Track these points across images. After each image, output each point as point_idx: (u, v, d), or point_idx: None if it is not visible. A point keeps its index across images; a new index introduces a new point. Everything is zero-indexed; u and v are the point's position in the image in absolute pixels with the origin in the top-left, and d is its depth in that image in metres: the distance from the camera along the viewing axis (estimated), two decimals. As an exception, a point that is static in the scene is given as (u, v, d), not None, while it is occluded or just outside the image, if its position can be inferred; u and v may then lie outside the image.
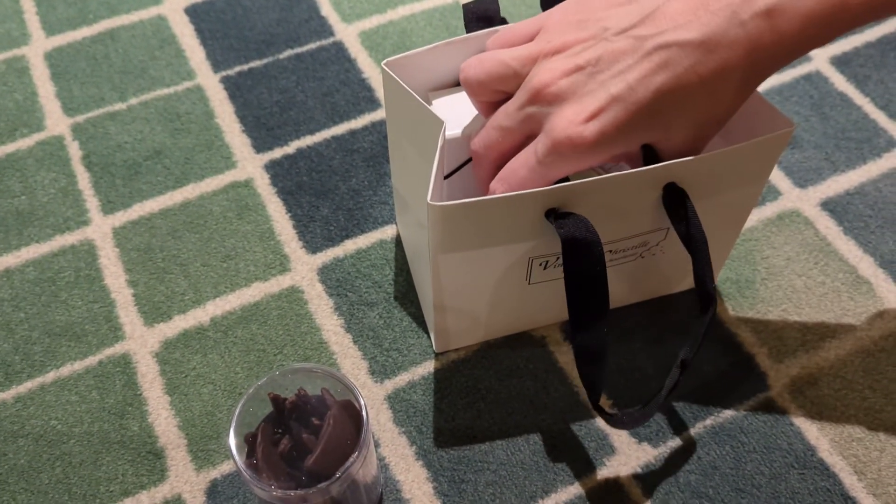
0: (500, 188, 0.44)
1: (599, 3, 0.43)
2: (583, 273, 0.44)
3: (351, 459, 0.42)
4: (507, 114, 0.44)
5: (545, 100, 0.41)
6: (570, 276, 0.44)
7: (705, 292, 0.44)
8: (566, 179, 0.45)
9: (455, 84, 0.52)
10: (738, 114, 0.49)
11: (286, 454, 0.44)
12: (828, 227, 0.62)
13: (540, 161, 0.42)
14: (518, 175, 0.43)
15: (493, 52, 0.45)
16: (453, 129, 0.50)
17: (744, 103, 0.41)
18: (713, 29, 0.38)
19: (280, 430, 0.45)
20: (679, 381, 0.46)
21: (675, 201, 0.45)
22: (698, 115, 0.40)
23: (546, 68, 0.42)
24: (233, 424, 0.43)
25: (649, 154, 0.46)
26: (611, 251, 0.50)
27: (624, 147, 0.42)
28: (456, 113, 0.51)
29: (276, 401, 0.45)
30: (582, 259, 0.44)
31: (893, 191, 0.64)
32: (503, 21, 0.50)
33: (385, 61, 0.48)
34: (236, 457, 0.42)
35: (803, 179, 0.65)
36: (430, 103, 0.52)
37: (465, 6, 0.51)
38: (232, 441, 0.43)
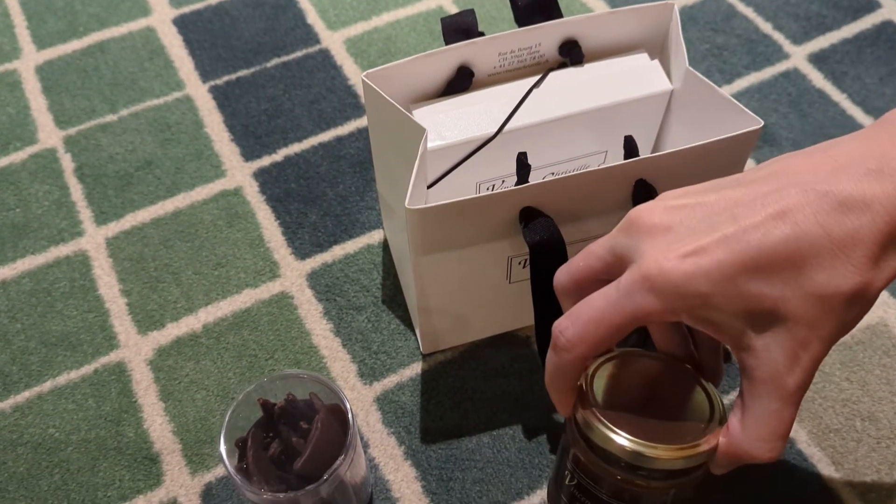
0: (566, 322, 0.36)
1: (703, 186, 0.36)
2: (548, 272, 0.46)
3: (338, 461, 0.43)
4: (597, 241, 0.37)
5: (640, 231, 0.34)
6: (535, 274, 0.47)
7: None
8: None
9: (435, 95, 0.54)
10: (707, 114, 0.51)
11: (276, 458, 0.45)
12: (806, 222, 0.64)
13: (621, 291, 0.34)
14: (593, 306, 0.35)
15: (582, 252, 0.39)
16: (435, 139, 0.51)
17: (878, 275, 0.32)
18: (848, 184, 0.31)
19: (270, 435, 0.46)
20: None
21: (644, 197, 0.46)
22: (817, 285, 0.31)
23: (644, 205, 0.36)
24: (223, 430, 0.44)
25: (629, 146, 0.48)
26: (587, 253, 0.51)
27: (716, 307, 0.33)
28: (437, 123, 0.52)
29: (266, 406, 0.46)
30: (547, 260, 0.46)
31: (870, 186, 0.66)
32: (481, 34, 0.52)
33: (365, 73, 0.49)
34: (227, 462, 0.43)
35: (782, 176, 0.66)
36: (411, 115, 0.53)
37: (443, 20, 0.52)
38: (222, 447, 0.44)
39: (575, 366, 0.36)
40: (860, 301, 0.32)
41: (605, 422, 0.36)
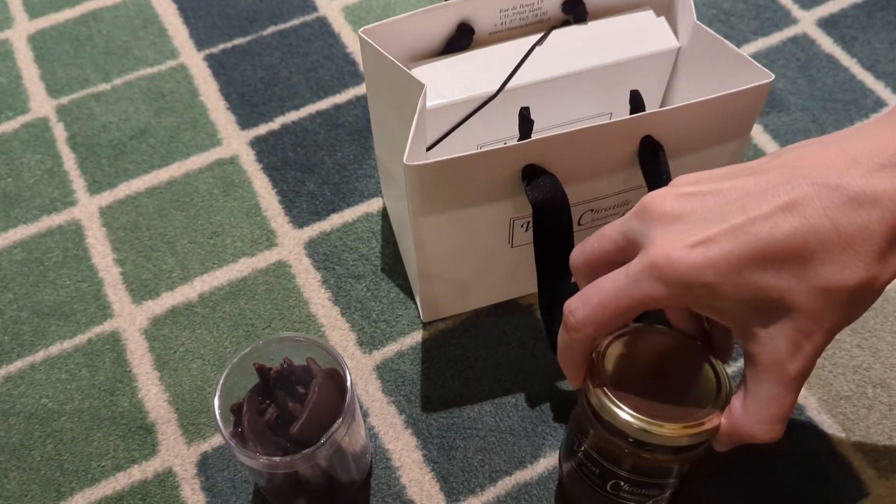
0: (577, 302, 0.37)
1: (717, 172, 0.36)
2: (551, 232, 0.45)
3: (336, 425, 0.42)
4: (611, 224, 0.38)
5: (651, 217, 0.35)
6: (538, 235, 0.46)
7: None
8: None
9: (434, 54, 0.52)
10: (715, 70, 0.49)
11: (272, 423, 0.44)
12: (815, 188, 0.62)
13: (629, 278, 0.34)
14: (602, 289, 0.35)
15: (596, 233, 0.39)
16: (434, 98, 0.50)
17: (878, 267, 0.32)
18: (860, 179, 0.31)
19: (266, 400, 0.45)
20: None
21: (650, 155, 0.45)
22: (823, 278, 0.32)
23: (657, 191, 0.36)
24: (218, 393, 0.43)
25: (634, 101, 0.47)
26: (592, 210, 0.50)
27: (722, 296, 0.33)
28: (436, 82, 0.50)
29: (262, 371, 0.45)
30: (550, 220, 0.45)
31: (881, 151, 0.64)
32: (481, -13, 0.50)
33: (362, 29, 0.48)
34: (220, 424, 0.42)
35: (790, 142, 0.65)
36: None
37: (442, -28, 0.50)
38: (217, 408, 0.43)
39: (584, 344, 0.37)
40: (865, 294, 0.32)
41: (614, 399, 0.37)
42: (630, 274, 0.34)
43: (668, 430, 0.36)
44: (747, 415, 0.35)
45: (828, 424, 0.52)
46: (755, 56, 0.70)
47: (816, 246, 0.31)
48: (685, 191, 0.35)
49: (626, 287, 0.34)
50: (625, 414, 0.37)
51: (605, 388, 0.38)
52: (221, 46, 0.73)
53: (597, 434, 0.39)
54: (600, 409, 0.38)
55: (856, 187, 0.31)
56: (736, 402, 0.36)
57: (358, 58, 0.72)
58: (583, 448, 0.42)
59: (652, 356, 0.40)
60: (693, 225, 0.33)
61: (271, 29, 0.74)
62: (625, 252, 0.36)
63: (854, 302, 0.32)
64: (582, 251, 0.39)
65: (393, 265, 0.60)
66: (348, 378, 0.44)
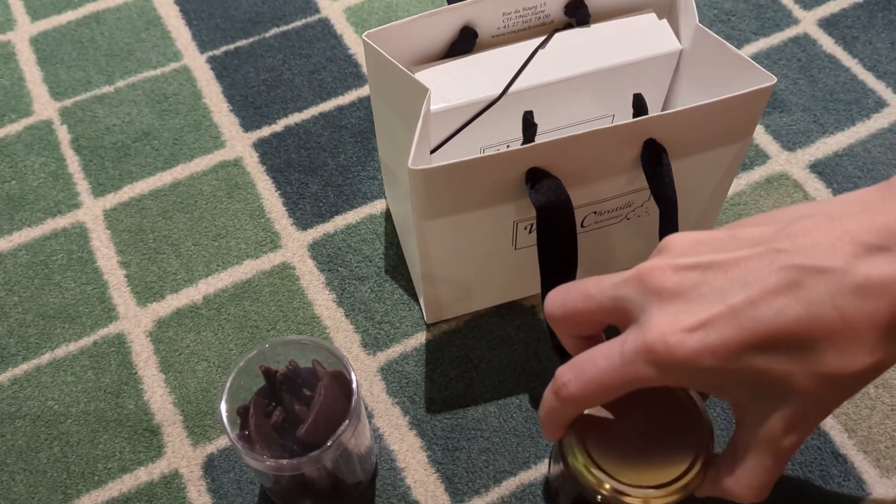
0: (569, 374, 0.35)
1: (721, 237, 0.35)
2: (555, 235, 0.46)
3: (342, 428, 0.42)
4: (598, 284, 0.36)
5: (648, 291, 0.33)
6: (542, 238, 0.46)
7: None
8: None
9: (437, 58, 0.52)
10: (717, 73, 0.49)
11: (278, 425, 0.44)
12: (817, 189, 0.62)
13: (624, 358, 0.33)
14: (595, 365, 0.34)
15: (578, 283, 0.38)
16: (438, 101, 0.50)
17: (879, 358, 0.31)
18: (868, 266, 0.30)
19: (272, 402, 0.45)
20: None
21: (653, 158, 0.45)
22: (825, 365, 0.31)
23: (655, 261, 0.34)
24: (224, 395, 0.44)
25: (638, 105, 0.47)
26: (595, 212, 0.50)
27: (720, 378, 0.32)
28: (440, 86, 0.51)
29: (268, 373, 0.45)
30: (555, 222, 0.45)
31: (882, 151, 0.64)
32: (484, -9, 0.50)
33: (366, 33, 0.48)
34: (227, 426, 0.42)
35: (791, 142, 0.65)
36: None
37: (445, -24, 0.50)
38: (223, 410, 0.43)
39: (572, 414, 0.37)
40: (868, 377, 0.32)
41: (588, 467, 0.37)
42: (624, 354, 0.33)
43: (648, 499, 0.36)
44: (736, 481, 0.35)
45: (830, 424, 0.52)
46: (756, 56, 0.70)
47: (821, 333, 0.30)
48: (683, 262, 0.33)
49: (621, 367, 0.34)
50: (596, 481, 0.37)
51: (584, 454, 0.38)
52: (224, 48, 0.73)
53: (571, 488, 0.40)
54: (576, 470, 0.38)
55: (863, 274, 0.30)
56: (725, 466, 0.36)
57: (360, 59, 0.72)
58: (561, 477, 0.42)
59: (633, 400, 0.39)
60: (692, 304, 0.32)
61: (273, 31, 0.74)
62: (612, 316, 0.35)
63: (855, 384, 0.32)
64: (562, 305, 0.37)
65: (396, 266, 0.60)
66: (354, 380, 0.44)
